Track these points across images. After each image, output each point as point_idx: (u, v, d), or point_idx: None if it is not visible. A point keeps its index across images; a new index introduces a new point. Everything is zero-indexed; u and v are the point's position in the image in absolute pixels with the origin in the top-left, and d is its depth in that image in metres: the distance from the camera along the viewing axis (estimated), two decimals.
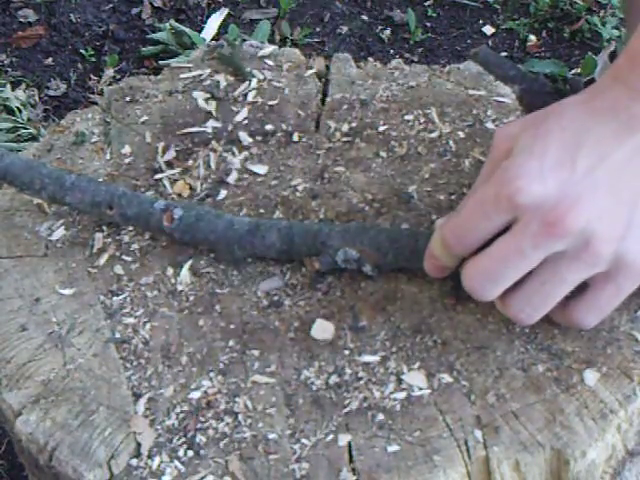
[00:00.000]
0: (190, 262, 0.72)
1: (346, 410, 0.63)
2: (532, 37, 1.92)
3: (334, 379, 0.64)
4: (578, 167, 0.59)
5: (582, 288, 0.62)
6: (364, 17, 2.00)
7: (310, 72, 0.87)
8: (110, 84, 1.82)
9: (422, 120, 0.81)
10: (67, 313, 0.70)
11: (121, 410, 0.64)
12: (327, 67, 0.87)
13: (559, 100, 0.63)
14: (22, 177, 0.75)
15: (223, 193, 0.77)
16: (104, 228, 0.75)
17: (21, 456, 0.70)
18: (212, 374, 0.65)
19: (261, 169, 0.78)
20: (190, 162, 0.80)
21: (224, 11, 1.99)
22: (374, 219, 0.73)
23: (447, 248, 0.63)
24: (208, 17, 1.99)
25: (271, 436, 0.62)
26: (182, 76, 0.88)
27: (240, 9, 2.02)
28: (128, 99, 0.86)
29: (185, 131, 0.83)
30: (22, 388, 0.66)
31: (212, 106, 0.84)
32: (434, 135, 0.80)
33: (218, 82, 0.87)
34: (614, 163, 0.59)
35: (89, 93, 1.86)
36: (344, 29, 1.97)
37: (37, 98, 1.85)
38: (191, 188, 0.77)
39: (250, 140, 0.81)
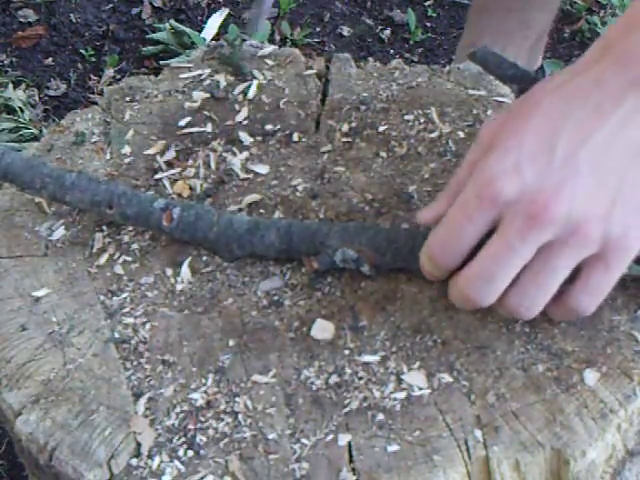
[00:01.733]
0: (189, 261, 0.72)
1: (346, 410, 0.63)
2: None
3: (334, 379, 0.64)
4: (557, 154, 0.58)
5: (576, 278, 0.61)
6: (364, 17, 2.00)
7: (310, 72, 0.87)
8: (110, 84, 1.82)
9: (422, 120, 0.81)
10: (67, 313, 0.70)
11: (121, 410, 0.64)
12: (327, 67, 0.87)
13: None
14: (23, 176, 0.75)
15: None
16: (104, 228, 0.75)
17: (21, 456, 0.70)
18: (212, 374, 0.65)
19: (261, 169, 0.78)
20: (190, 162, 0.80)
21: (224, 11, 1.99)
22: (374, 219, 0.73)
23: (435, 263, 0.63)
24: (208, 17, 1.99)
25: (271, 436, 0.62)
26: (182, 76, 0.88)
27: (240, 9, 2.02)
28: (128, 99, 0.86)
29: (185, 131, 0.83)
30: (22, 388, 0.66)
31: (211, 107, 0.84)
32: (434, 135, 0.80)
33: (218, 82, 0.87)
34: (596, 144, 0.58)
35: (89, 93, 1.86)
36: (344, 29, 1.97)
37: (37, 98, 1.85)
38: (191, 188, 0.77)
39: (250, 140, 0.81)
